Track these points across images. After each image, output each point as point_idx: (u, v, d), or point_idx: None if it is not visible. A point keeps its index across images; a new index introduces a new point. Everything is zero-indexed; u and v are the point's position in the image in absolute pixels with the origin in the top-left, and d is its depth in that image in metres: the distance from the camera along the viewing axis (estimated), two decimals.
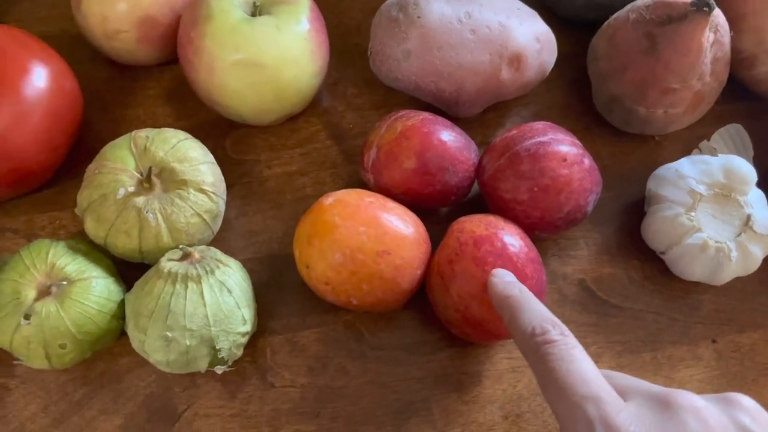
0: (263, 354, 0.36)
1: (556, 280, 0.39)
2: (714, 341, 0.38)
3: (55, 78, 0.36)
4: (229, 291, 0.32)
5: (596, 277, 0.39)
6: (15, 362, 0.32)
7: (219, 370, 0.33)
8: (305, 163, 0.42)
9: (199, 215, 0.34)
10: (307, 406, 0.35)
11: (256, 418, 0.35)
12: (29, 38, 0.37)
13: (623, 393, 0.25)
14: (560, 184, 0.34)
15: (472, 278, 0.32)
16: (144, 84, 0.44)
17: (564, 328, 0.27)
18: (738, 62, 0.41)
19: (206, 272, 0.32)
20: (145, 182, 0.33)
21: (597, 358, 0.37)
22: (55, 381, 0.35)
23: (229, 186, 0.39)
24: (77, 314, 0.31)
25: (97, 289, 0.32)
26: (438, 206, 0.38)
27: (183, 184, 0.34)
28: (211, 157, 0.36)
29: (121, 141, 0.35)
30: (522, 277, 0.32)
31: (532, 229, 0.36)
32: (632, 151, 0.43)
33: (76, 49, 0.43)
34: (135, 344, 0.32)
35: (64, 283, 0.31)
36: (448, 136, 0.36)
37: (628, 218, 0.41)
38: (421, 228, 0.35)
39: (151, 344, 0.31)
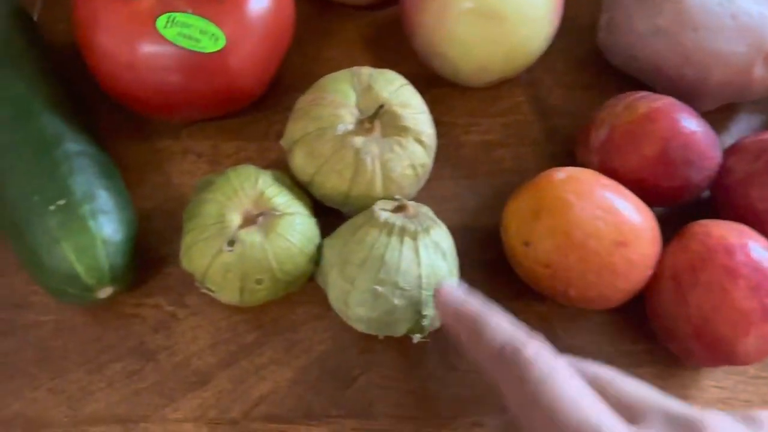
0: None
1: None
2: None
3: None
4: (443, 255, 0.29)
5: None
6: (203, 290, 0.30)
7: (416, 339, 0.29)
8: (505, 134, 0.38)
9: (413, 167, 0.31)
10: (491, 398, 0.31)
11: (434, 400, 0.31)
12: None
13: (632, 411, 0.21)
14: None
15: (720, 290, 0.28)
16: (342, 26, 0.41)
17: (537, 339, 0.23)
18: None
19: (423, 230, 0.28)
20: (368, 122, 0.30)
21: None
22: (227, 319, 0.33)
23: None
24: (281, 250, 0.28)
25: (301, 227, 0.29)
26: (662, 204, 0.34)
27: (403, 130, 0.31)
28: (426, 108, 0.33)
29: (342, 75, 0.32)
30: None
31: None
32: None
33: None
34: (334, 294, 0.29)
35: (277, 213, 0.29)
36: (698, 127, 0.32)
37: None
38: (656, 224, 0.31)
39: (357, 296, 0.28)
